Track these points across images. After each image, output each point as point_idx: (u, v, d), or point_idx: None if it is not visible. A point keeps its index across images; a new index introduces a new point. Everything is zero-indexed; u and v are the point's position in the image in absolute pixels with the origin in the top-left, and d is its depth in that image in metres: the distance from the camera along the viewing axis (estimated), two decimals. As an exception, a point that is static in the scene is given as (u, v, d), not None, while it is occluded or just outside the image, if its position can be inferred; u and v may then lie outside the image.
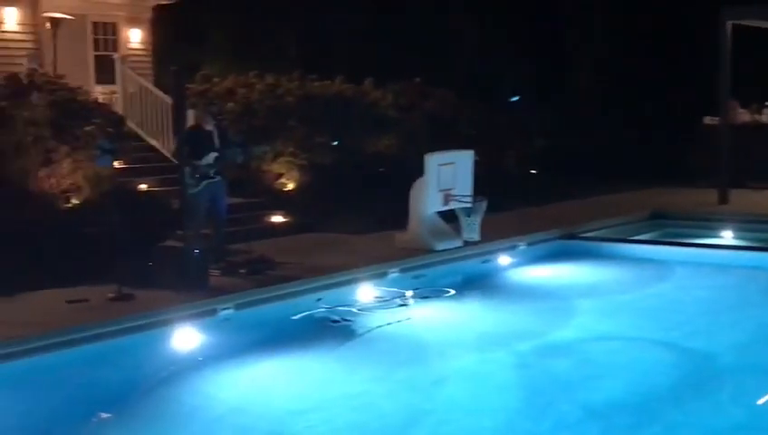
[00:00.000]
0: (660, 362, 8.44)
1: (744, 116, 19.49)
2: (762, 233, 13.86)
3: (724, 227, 14.38)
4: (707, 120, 18.94)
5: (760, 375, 8.00)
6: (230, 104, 15.79)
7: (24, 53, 16.19)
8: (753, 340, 9.05)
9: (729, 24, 16.00)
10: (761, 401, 7.45)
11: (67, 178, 12.13)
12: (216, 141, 11.05)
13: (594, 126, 22.32)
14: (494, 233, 12.69)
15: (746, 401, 7.38)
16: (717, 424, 6.90)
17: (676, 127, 21.28)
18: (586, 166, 19.54)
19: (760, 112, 19.74)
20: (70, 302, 9.17)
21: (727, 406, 7.25)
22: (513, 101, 19.27)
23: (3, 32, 16.36)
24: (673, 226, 14.80)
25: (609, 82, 24.01)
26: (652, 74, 23.12)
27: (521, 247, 12.87)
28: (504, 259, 12.50)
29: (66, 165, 12.11)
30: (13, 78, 13.09)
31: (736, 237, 14.11)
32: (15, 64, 15.36)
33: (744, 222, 14.46)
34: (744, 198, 16.32)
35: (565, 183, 18.33)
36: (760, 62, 20.16)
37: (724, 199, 15.96)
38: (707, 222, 14.63)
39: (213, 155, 10.93)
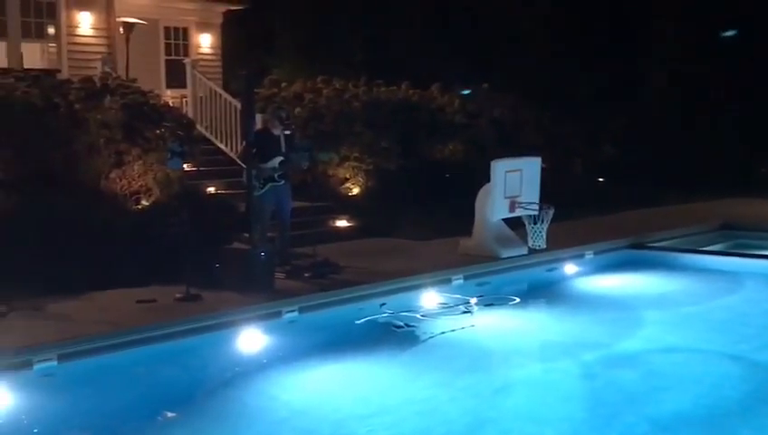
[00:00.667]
0: (728, 375, 8.27)
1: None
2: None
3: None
4: (781, 129, 18.57)
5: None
6: (297, 109, 15.89)
7: (98, 56, 16.57)
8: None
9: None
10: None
11: (138, 179, 12.32)
12: (283, 146, 11.17)
13: (665, 135, 22.01)
14: (561, 241, 12.58)
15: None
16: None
17: (748, 137, 20.87)
18: (656, 175, 19.28)
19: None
20: (139, 302, 9.31)
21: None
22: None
23: (78, 35, 16.76)
24: (744, 237, 14.50)
25: (680, 90, 23.65)
26: (725, 83, 22.73)
27: (588, 256, 12.74)
28: (570, 268, 12.38)
29: (137, 167, 12.31)
30: (87, 81, 13.35)
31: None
32: (90, 68, 15.72)
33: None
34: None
35: (634, 192, 18.09)
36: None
37: (797, 211, 15.62)
38: (780, 234, 14.33)
39: (278, 159, 11.05)
